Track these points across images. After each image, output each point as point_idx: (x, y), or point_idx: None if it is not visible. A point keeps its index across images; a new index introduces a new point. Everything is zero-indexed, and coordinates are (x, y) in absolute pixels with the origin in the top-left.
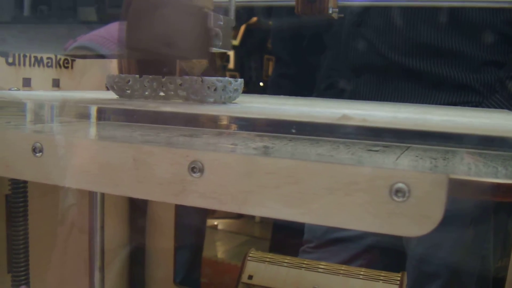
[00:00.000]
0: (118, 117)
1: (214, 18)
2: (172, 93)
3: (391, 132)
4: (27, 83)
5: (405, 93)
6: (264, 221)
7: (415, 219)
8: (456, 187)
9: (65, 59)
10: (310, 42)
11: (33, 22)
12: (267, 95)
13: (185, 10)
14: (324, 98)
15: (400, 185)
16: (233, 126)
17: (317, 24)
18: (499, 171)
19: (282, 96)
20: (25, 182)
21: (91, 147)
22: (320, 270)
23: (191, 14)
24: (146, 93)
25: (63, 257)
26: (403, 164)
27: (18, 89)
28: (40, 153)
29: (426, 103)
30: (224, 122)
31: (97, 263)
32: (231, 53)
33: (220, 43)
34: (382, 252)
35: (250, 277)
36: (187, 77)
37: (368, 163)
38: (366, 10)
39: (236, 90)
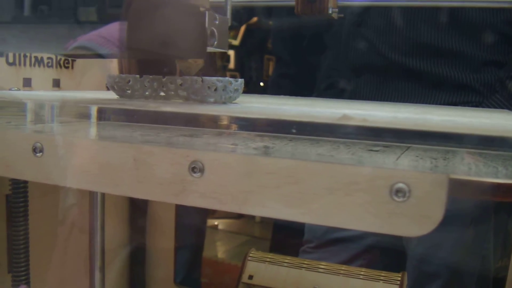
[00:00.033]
0: (118, 117)
1: (209, 17)
2: (173, 93)
3: (392, 132)
4: (27, 83)
5: (405, 93)
6: (264, 221)
7: (415, 219)
8: (457, 187)
9: (65, 59)
10: (310, 42)
11: (34, 22)
12: (268, 95)
13: (181, 10)
14: (324, 98)
15: (401, 185)
16: (234, 126)
17: (317, 24)
18: (499, 171)
19: (282, 96)
20: (25, 182)
21: (91, 147)
22: (320, 270)
23: (187, 14)
24: (147, 93)
25: (63, 257)
26: (404, 164)
27: (19, 89)
28: (41, 153)
29: (426, 103)
30: (225, 122)
31: (98, 263)
32: (231, 53)
33: (216, 43)
34: (382, 252)
35: (251, 277)
36: (187, 77)
37: (369, 163)
38: (366, 10)
39: (236, 90)
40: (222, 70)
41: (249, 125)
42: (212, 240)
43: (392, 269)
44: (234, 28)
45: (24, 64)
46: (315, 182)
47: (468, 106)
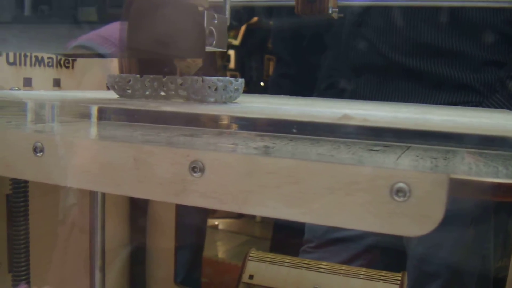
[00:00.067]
0: (118, 117)
1: (208, 16)
2: (173, 92)
3: (392, 132)
4: (28, 83)
5: (406, 93)
6: (264, 221)
7: (415, 219)
8: (457, 187)
9: (65, 59)
10: (310, 42)
11: (34, 22)
12: (268, 95)
13: (179, 9)
14: (325, 98)
15: (401, 185)
16: (234, 126)
17: (317, 24)
18: (499, 170)
19: (282, 96)
20: (25, 181)
21: (92, 147)
22: (320, 270)
23: (186, 13)
24: (147, 92)
25: (63, 257)
26: (404, 164)
27: (19, 89)
28: (41, 153)
29: (426, 103)
30: (225, 121)
31: (98, 263)
32: (231, 53)
33: (215, 42)
34: (383, 252)
35: (251, 277)
36: (188, 77)
37: (369, 163)
38: (366, 10)
39: (236, 89)
40: (223, 70)
41: (249, 124)
42: (213, 240)
43: (393, 269)
44: (234, 28)
45: (25, 64)
46: (315, 181)
47: (468, 106)
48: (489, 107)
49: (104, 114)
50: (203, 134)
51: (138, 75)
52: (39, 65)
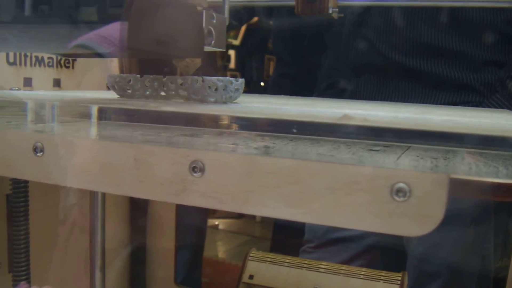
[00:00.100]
0: (119, 117)
1: (207, 16)
2: (173, 92)
3: (392, 132)
4: (28, 83)
5: (406, 93)
6: (265, 221)
7: (416, 219)
8: (457, 187)
9: (66, 59)
10: (310, 42)
11: (34, 21)
12: (268, 95)
13: (178, 9)
14: (325, 98)
15: (401, 185)
16: (234, 126)
17: (317, 24)
18: (499, 170)
19: (283, 96)
20: (26, 181)
21: (92, 147)
22: (321, 270)
23: (185, 13)
24: (147, 92)
25: (64, 257)
26: (404, 164)
27: (19, 89)
28: (41, 153)
29: (426, 103)
30: (225, 121)
31: (98, 263)
32: (232, 53)
33: (214, 42)
34: (383, 252)
35: (251, 277)
36: (188, 77)
37: (369, 163)
38: (366, 10)
39: (237, 90)
40: (223, 70)
41: (249, 124)
42: (213, 240)
43: (393, 269)
44: (234, 28)
45: (25, 64)
46: (315, 181)
47: (469, 106)
48: (489, 107)
49: (104, 114)
50: (203, 134)
51: (138, 75)
52: (39, 65)
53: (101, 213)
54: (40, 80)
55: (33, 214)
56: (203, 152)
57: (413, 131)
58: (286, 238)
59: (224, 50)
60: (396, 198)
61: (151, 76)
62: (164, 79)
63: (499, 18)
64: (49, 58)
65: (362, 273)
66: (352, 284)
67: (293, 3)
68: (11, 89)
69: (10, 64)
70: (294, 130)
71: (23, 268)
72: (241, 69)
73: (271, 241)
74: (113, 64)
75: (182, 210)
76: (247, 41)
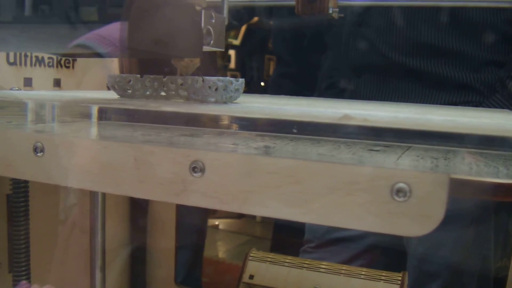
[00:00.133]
0: (119, 117)
1: (206, 16)
2: (173, 92)
3: (392, 132)
4: (28, 83)
5: (406, 93)
6: (265, 221)
7: (416, 219)
8: (457, 187)
9: (66, 59)
10: (311, 42)
11: (34, 21)
12: (268, 95)
13: (177, 8)
14: (325, 98)
15: (401, 185)
16: (234, 126)
17: (318, 24)
18: (500, 171)
19: (283, 96)
20: (26, 181)
21: (92, 147)
22: (321, 270)
23: (183, 12)
24: (147, 92)
25: (64, 257)
26: (404, 164)
27: (19, 89)
28: (41, 153)
29: (426, 102)
30: (225, 122)
31: (98, 263)
32: (232, 53)
33: (213, 42)
34: (383, 252)
35: (251, 276)
36: (188, 77)
37: (369, 163)
38: (366, 10)
39: (237, 90)
40: (223, 70)
41: (250, 125)
42: (213, 240)
43: (393, 269)
44: (234, 28)
45: (25, 64)
46: (316, 181)
47: (469, 106)
48: (489, 107)
49: (104, 114)
50: (203, 134)
51: (138, 75)
52: (40, 65)
53: (101, 213)
54: (40, 80)
55: (33, 214)
56: (203, 152)
57: (414, 131)
58: (286, 238)
59: (223, 50)
60: (396, 198)
61: (151, 76)
62: (164, 79)
63: (499, 18)
64: (49, 58)
65: (363, 273)
66: (352, 284)
67: (293, 3)
68: (11, 89)
69: (10, 64)
70: (294, 130)
71: (23, 268)
72: (241, 69)
73: (271, 241)
74: (113, 64)
75: (182, 210)
76: (247, 41)
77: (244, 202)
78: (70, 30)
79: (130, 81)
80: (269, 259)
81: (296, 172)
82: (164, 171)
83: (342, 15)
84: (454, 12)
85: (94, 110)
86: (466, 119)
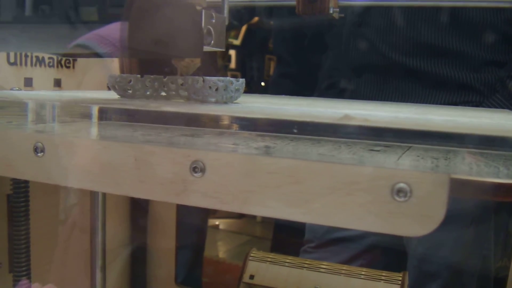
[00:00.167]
0: (119, 117)
1: (206, 16)
2: (174, 93)
3: (393, 132)
4: (28, 83)
5: (406, 93)
6: (265, 221)
7: (416, 219)
8: (458, 187)
9: (66, 59)
10: (311, 42)
11: (35, 21)
12: (269, 95)
13: (177, 8)
14: (325, 98)
15: (402, 185)
16: (235, 126)
17: (318, 24)
18: (500, 171)
19: (283, 96)
20: (26, 181)
21: (92, 147)
22: (321, 270)
23: (184, 12)
24: (148, 93)
25: (64, 257)
26: (405, 164)
27: (20, 89)
28: (42, 153)
29: (426, 102)
30: (226, 122)
31: (99, 263)
32: (232, 53)
33: (213, 42)
34: (383, 252)
35: (252, 277)
36: (188, 77)
37: (370, 163)
38: (367, 10)
39: (237, 90)
40: (223, 70)
41: (250, 125)
42: (213, 240)
43: (393, 268)
44: (235, 28)
45: (25, 64)
46: (316, 181)
47: (469, 105)
48: (489, 107)
49: (105, 114)
50: (204, 134)
51: (139, 75)
52: (40, 65)
53: (102, 213)
54: (40, 80)
55: (34, 214)
56: (203, 152)
57: (414, 131)
58: (287, 238)
59: (223, 50)
60: (397, 198)
61: (152, 76)
62: (165, 79)
63: (499, 18)
64: (49, 58)
65: (363, 273)
66: (352, 284)
67: (293, 3)
68: (11, 89)
69: (10, 64)
70: (295, 130)
71: (23, 268)
72: (242, 69)
73: (271, 241)
74: (114, 64)
75: (182, 210)
76: (247, 41)
77: (244, 202)
78: (70, 30)
79: (130, 81)
80: (269, 259)
81: (296, 172)
82: (164, 171)
83: (342, 15)
84: (454, 12)
85: (95, 110)
86: (466, 119)
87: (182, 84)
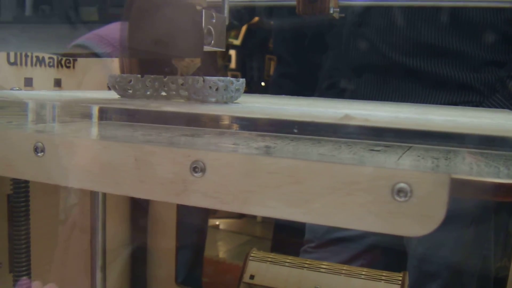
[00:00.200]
0: (119, 117)
1: (206, 15)
2: (174, 93)
3: (393, 132)
4: (28, 83)
5: (406, 93)
6: (265, 221)
7: (417, 219)
8: (458, 187)
9: (66, 59)
10: (311, 41)
11: (35, 21)
12: (269, 95)
13: (177, 8)
14: (326, 98)
15: (402, 185)
16: (235, 126)
17: (318, 24)
18: (500, 171)
19: (283, 96)
20: (26, 181)
21: (92, 146)
22: (321, 270)
23: (184, 12)
24: (148, 93)
25: (64, 257)
26: (405, 164)
27: (20, 89)
28: (42, 153)
29: (427, 102)
30: (226, 122)
31: (99, 263)
32: (232, 53)
33: (213, 41)
34: (383, 252)
35: (252, 277)
36: (188, 77)
37: (370, 163)
38: (367, 10)
39: (238, 90)
40: (224, 70)
41: (250, 125)
42: (214, 240)
43: (393, 269)
44: (235, 28)
45: (26, 64)
46: (316, 181)
47: (469, 105)
48: (489, 107)
49: (105, 114)
50: (204, 134)
51: (139, 75)
52: (40, 65)
53: (102, 213)
54: (41, 80)
55: (34, 214)
56: (204, 152)
57: (414, 131)
58: (287, 238)
59: (224, 49)
60: (397, 198)
61: (152, 76)
62: (165, 79)
63: (499, 18)
64: (49, 58)
65: (363, 273)
66: (353, 284)
67: (294, 3)
68: (11, 89)
69: (10, 64)
70: (295, 130)
71: (23, 268)
72: (242, 69)
73: (271, 241)
74: (114, 64)
75: (183, 210)
76: (247, 41)
77: (244, 202)
78: (70, 30)
79: (130, 81)
80: (269, 259)
81: (296, 172)
82: (164, 171)
83: (343, 15)
84: (454, 12)
85: (95, 110)
86: (466, 119)
87: (182, 84)
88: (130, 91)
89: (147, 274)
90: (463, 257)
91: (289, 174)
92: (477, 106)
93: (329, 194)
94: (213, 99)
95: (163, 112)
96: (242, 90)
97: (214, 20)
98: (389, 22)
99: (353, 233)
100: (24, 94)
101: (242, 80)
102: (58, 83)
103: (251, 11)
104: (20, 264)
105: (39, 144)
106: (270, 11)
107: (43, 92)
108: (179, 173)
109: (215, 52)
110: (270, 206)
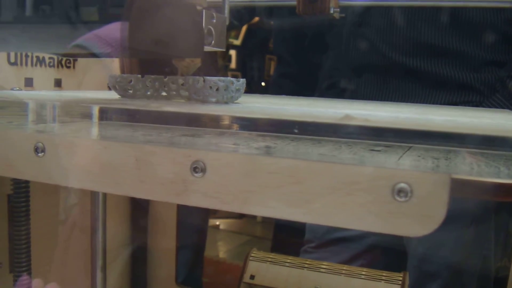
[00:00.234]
0: (120, 117)
1: (207, 16)
2: (174, 93)
3: (393, 132)
4: (29, 83)
5: (406, 93)
6: (265, 221)
7: (417, 219)
8: (458, 187)
9: (66, 59)
10: (311, 42)
11: (35, 21)
12: (269, 95)
13: (178, 8)
14: (326, 98)
15: (402, 185)
16: (235, 126)
17: (318, 24)
18: (501, 171)
19: (284, 96)
20: (27, 182)
21: (93, 147)
22: (321, 270)
23: (184, 12)
24: (148, 93)
25: (65, 257)
26: (405, 164)
27: (20, 89)
28: (42, 153)
29: (427, 102)
30: (226, 122)
31: (99, 263)
32: (233, 53)
33: (214, 42)
34: (383, 252)
35: (252, 277)
36: (189, 77)
37: (370, 163)
38: (367, 10)
39: (238, 90)
40: (224, 70)
41: (250, 125)
42: (214, 240)
43: (393, 269)
44: (235, 28)
45: (26, 64)
46: (316, 181)
47: (469, 105)
48: (489, 107)
49: (105, 114)
50: (204, 134)
51: (139, 75)
52: (40, 65)
53: (102, 213)
54: (41, 80)
55: (34, 214)
56: (204, 152)
57: (414, 131)
58: (287, 238)
59: (224, 50)
60: (398, 198)
61: (152, 76)
62: (165, 79)
63: (499, 18)
64: (50, 58)
65: (363, 273)
66: (353, 284)
67: (294, 3)
68: (12, 89)
69: (11, 64)
70: (295, 130)
71: (24, 268)
72: (242, 69)
73: (272, 241)
74: (114, 64)
75: (183, 210)
76: (248, 41)
77: (244, 202)
78: (70, 30)
79: (131, 81)
80: (269, 259)
81: (297, 172)
82: (165, 171)
83: (343, 15)
84: (454, 12)
85: (95, 110)
86: (466, 119)
87: (182, 84)
88: (131, 91)
89: (147, 274)
90: (463, 257)
91: (289, 174)
92: (477, 106)
93: (329, 194)
94: (214, 99)
95: (163, 112)
96: (243, 90)
97: (214, 20)
98: (389, 22)
99: (353, 233)
100: (24, 94)
101: (243, 80)
102: (58, 83)
103: (251, 11)
104: (20, 264)
105: (40, 144)
106: (270, 11)
107: (44, 92)
108: (180, 173)
109: (215, 52)
110: (271, 206)
